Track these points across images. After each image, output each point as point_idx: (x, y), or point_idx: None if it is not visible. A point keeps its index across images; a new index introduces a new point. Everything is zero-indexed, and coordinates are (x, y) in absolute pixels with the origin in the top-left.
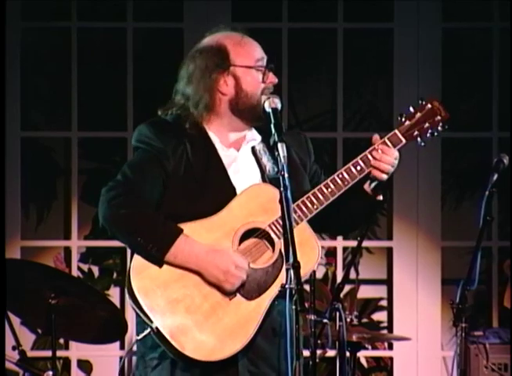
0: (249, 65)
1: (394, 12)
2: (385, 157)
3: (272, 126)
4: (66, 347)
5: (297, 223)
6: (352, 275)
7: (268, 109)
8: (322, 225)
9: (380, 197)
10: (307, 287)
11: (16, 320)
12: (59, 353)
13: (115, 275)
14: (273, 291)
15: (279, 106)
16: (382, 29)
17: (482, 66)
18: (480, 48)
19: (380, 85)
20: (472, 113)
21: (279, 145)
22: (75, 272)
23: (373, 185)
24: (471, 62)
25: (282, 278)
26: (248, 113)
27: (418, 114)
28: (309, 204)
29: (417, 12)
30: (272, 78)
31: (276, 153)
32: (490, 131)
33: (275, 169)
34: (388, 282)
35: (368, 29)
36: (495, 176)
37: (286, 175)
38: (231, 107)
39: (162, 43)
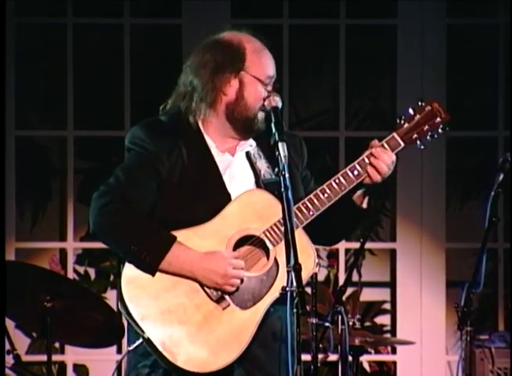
0: (258, 77)
1: (397, 8)
2: (383, 155)
3: (273, 125)
4: (62, 351)
5: None
6: (355, 277)
7: (268, 108)
8: (313, 235)
9: (365, 205)
10: (308, 290)
11: (10, 324)
12: (55, 357)
13: (112, 277)
14: (268, 299)
15: (279, 104)
16: (385, 25)
17: (488, 63)
18: (485, 45)
19: (383, 83)
20: (477, 111)
21: (280, 144)
22: (71, 275)
23: (359, 192)
24: (477, 59)
25: (277, 286)
26: (242, 124)
27: (417, 116)
28: (305, 210)
29: (421, 8)
30: (274, 102)
31: (277, 153)
32: (496, 131)
33: (271, 173)
34: (391, 284)
35: (371, 25)
36: (501, 176)
37: (286, 175)
38: (227, 111)
39: (160, 40)
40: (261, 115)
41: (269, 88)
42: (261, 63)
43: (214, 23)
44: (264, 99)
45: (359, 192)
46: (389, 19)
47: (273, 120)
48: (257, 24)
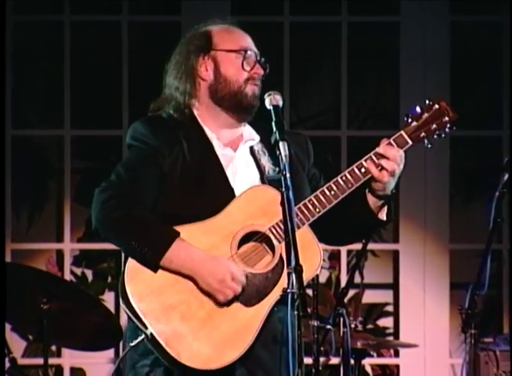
0: (230, 49)
1: (400, 5)
2: (390, 152)
3: (273, 124)
4: (59, 354)
5: (299, 227)
6: (357, 279)
7: (269, 106)
8: (320, 235)
9: (384, 217)
10: (309, 292)
11: (6, 326)
12: (51, 361)
13: (109, 279)
14: (273, 297)
15: (280, 103)
16: (388, 23)
17: (492, 62)
18: (490, 43)
19: (385, 81)
20: (481, 110)
21: (281, 143)
22: (68, 276)
23: (379, 203)
24: (481, 57)
25: (282, 284)
26: (228, 101)
27: (425, 115)
28: (311, 207)
29: (424, 6)
30: (258, 69)
31: (278, 152)
32: (500, 130)
33: (275, 170)
34: (394, 286)
35: (373, 23)
36: (506, 176)
37: (287, 175)
38: (211, 95)
39: (159, 37)
40: (249, 88)
41: (251, 60)
42: (231, 36)
43: (210, 19)
44: (247, 72)
45: (379, 203)
46: (391, 17)
47: (274, 119)
48: (258, 22)
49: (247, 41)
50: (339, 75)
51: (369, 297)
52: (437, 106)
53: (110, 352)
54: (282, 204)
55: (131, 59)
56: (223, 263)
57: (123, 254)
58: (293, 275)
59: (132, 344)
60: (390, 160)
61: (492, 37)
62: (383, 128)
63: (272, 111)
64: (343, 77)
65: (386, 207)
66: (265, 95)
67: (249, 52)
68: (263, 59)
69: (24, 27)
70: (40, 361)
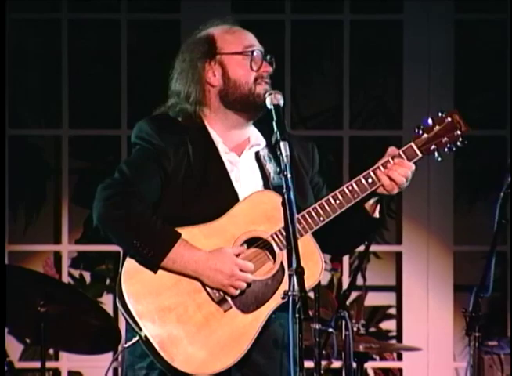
0: (235, 51)
1: (403, 3)
2: (400, 168)
3: (274, 124)
4: (56, 358)
5: (301, 235)
6: (359, 281)
7: (270, 106)
8: (322, 244)
9: (377, 214)
10: (311, 294)
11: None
12: (49, 364)
13: (108, 281)
14: (272, 304)
15: (281, 102)
16: (391, 21)
17: (497, 60)
18: (495, 41)
19: (388, 80)
20: (486, 110)
21: (282, 143)
22: (65, 279)
23: (372, 201)
24: (486, 56)
25: (281, 292)
26: (239, 104)
27: (437, 127)
28: (315, 215)
29: (428, 4)
30: (266, 67)
31: (278, 152)
32: (504, 129)
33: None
34: (397, 289)
35: (376, 21)
36: (510, 177)
37: (288, 176)
38: (221, 100)
39: (158, 36)
40: (260, 88)
41: (257, 59)
42: (233, 37)
43: (209, 21)
44: (255, 71)
45: (372, 201)
46: (395, 15)
47: (275, 118)
48: (259, 20)
49: (251, 40)
50: (341, 74)
51: (372, 299)
52: (449, 119)
53: (109, 356)
54: (283, 204)
55: (130, 58)
56: (228, 256)
57: (121, 255)
58: (295, 277)
59: (126, 345)
60: (401, 174)
61: (497, 35)
62: (385, 127)
63: (273, 111)
64: (345, 76)
65: (379, 206)
66: (266, 95)
67: (255, 52)
68: (268, 56)
69: (22, 25)
70: (37, 365)
